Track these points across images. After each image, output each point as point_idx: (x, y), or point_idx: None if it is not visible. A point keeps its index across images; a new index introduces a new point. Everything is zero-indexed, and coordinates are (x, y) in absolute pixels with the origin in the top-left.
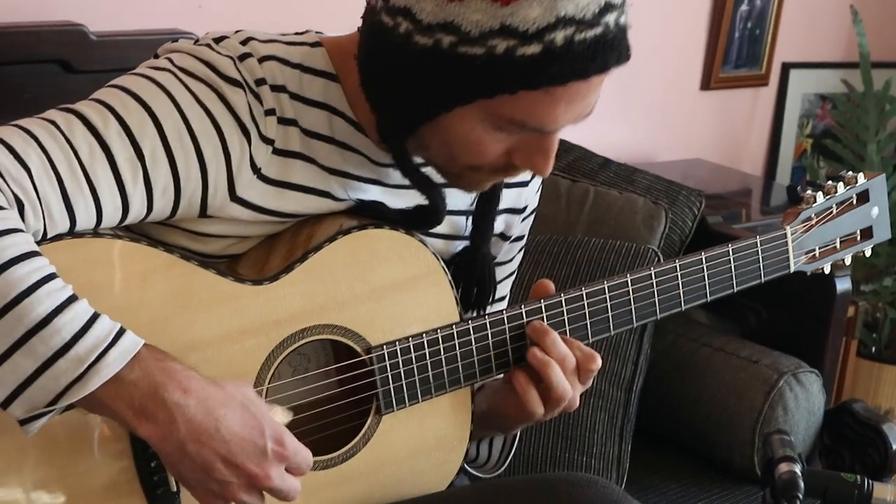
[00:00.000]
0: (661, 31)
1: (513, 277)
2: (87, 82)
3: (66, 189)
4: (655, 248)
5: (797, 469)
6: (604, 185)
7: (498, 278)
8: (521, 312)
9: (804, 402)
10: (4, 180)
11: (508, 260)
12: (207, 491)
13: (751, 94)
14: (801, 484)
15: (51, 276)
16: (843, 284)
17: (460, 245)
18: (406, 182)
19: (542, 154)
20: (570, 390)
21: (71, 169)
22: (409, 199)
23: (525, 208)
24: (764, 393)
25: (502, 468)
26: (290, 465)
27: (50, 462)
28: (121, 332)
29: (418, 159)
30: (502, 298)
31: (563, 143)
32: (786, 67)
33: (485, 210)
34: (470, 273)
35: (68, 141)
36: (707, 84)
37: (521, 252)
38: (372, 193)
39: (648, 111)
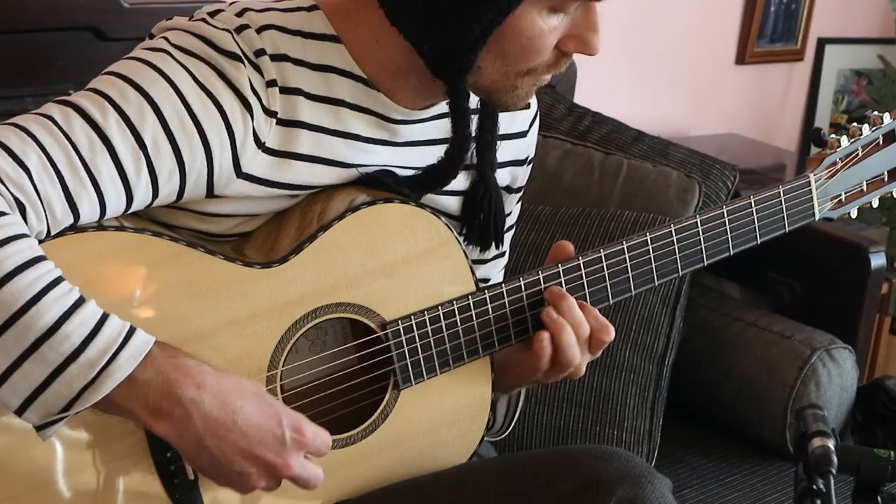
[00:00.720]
0: (697, 6)
1: (512, 231)
2: (119, 50)
3: (68, 186)
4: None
5: (830, 444)
6: (637, 158)
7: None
8: (539, 278)
9: (837, 378)
10: (3, 184)
11: (509, 213)
12: (228, 482)
13: (786, 69)
14: (835, 459)
15: (57, 281)
16: (877, 260)
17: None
18: (416, 139)
19: (591, 30)
20: (578, 357)
21: (71, 165)
22: (417, 156)
23: (527, 158)
24: (796, 368)
25: (507, 431)
26: (309, 450)
27: (66, 455)
28: (131, 332)
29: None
30: (502, 254)
31: (595, 115)
32: (821, 42)
33: (487, 140)
34: (482, 204)
35: (67, 136)
36: (742, 58)
37: (520, 204)
38: (381, 155)
39: (683, 85)
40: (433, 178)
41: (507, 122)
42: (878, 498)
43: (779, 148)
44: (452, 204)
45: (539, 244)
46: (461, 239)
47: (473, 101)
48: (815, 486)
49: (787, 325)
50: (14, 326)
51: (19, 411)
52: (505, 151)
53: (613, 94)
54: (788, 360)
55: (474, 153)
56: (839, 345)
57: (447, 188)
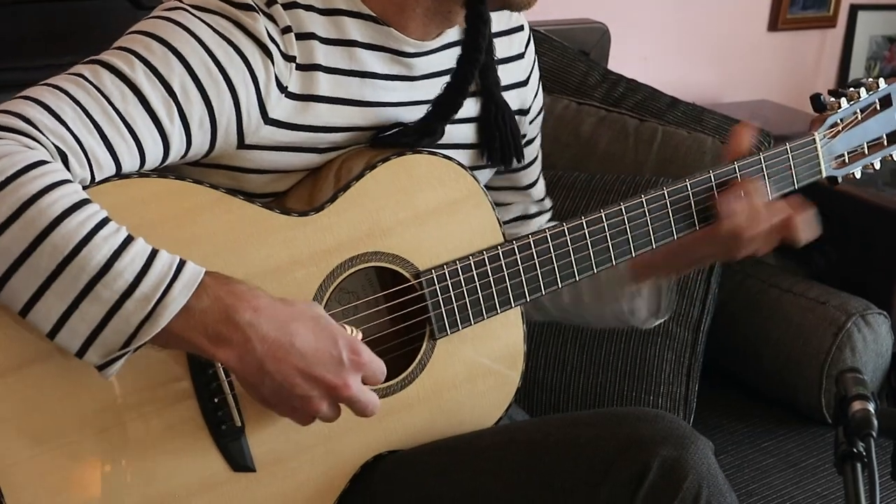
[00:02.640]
0: None
1: (539, 165)
2: None
3: (106, 135)
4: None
5: (871, 407)
6: (672, 124)
7: (528, 158)
8: (564, 229)
9: (872, 343)
10: (43, 134)
11: (524, 135)
12: (290, 408)
13: (818, 36)
14: (875, 422)
15: (105, 221)
16: None
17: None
18: (431, 70)
19: None
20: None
21: (106, 115)
22: (433, 89)
23: (529, 109)
24: (832, 334)
25: (667, 315)
26: (365, 373)
27: (113, 406)
28: (182, 264)
29: None
30: (533, 184)
31: (630, 82)
32: (854, 9)
33: (487, 61)
34: (497, 122)
35: (98, 89)
36: (774, 25)
37: (540, 134)
38: (399, 91)
39: (716, 52)
40: (448, 99)
41: (505, 46)
42: None
43: (811, 114)
44: (468, 132)
45: (575, 211)
46: (488, 163)
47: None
48: (855, 450)
49: (822, 291)
50: (67, 269)
51: (80, 353)
52: (506, 75)
53: (647, 62)
54: (824, 325)
55: (477, 79)
56: (874, 310)
57: (460, 116)
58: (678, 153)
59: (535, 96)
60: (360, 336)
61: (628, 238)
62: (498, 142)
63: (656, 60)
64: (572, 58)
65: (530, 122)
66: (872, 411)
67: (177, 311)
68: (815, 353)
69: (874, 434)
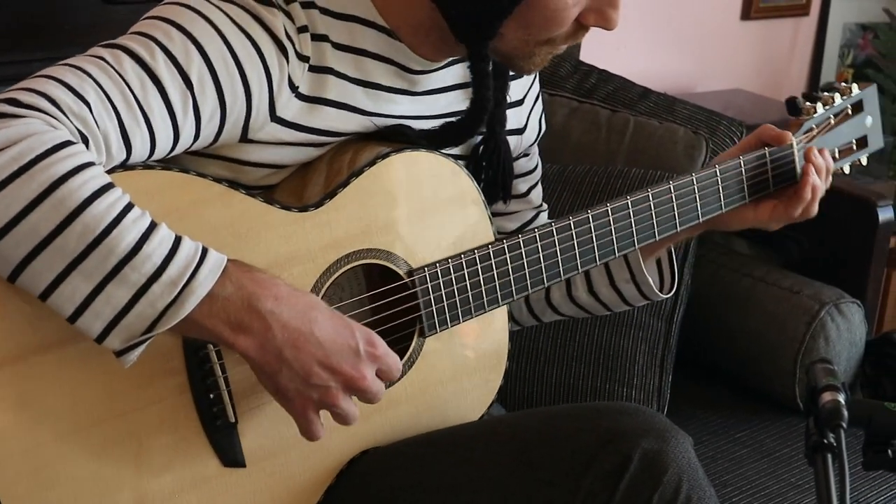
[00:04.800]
0: None
1: (539, 188)
2: (126, 13)
3: (124, 122)
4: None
5: (841, 398)
6: (644, 115)
7: (524, 189)
8: (552, 230)
9: (846, 332)
10: (67, 116)
11: (533, 168)
12: (307, 400)
13: (792, 24)
14: (845, 413)
15: (131, 205)
16: (885, 214)
17: (478, 138)
18: (433, 87)
19: (611, 6)
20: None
21: (126, 102)
22: (434, 104)
23: (525, 128)
24: (805, 323)
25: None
26: (381, 365)
27: (108, 400)
28: (205, 251)
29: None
30: (539, 207)
31: (601, 72)
32: None
33: (498, 98)
34: (491, 159)
35: (120, 75)
36: (748, 14)
37: (540, 161)
38: (401, 105)
39: (689, 41)
40: (452, 134)
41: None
42: (889, 451)
43: (784, 103)
44: (460, 152)
45: (547, 203)
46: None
47: None
48: (825, 440)
49: (795, 280)
50: (97, 251)
51: (101, 337)
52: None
53: (620, 51)
54: (797, 315)
55: None
56: (848, 299)
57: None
58: (650, 143)
59: (530, 115)
60: None
61: (613, 239)
62: (485, 178)
63: (629, 50)
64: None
65: (534, 164)
66: (843, 402)
67: (203, 296)
68: (789, 342)
69: (844, 425)
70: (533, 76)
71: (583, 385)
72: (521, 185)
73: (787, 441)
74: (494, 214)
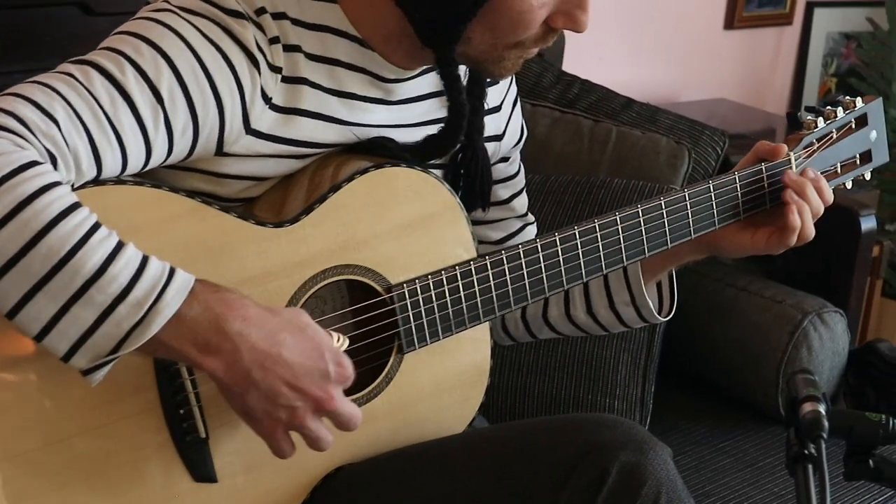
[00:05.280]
0: None
1: (524, 196)
2: (107, 24)
3: (94, 139)
4: (678, 188)
5: (821, 409)
6: (626, 125)
7: (506, 195)
8: (536, 246)
9: (829, 342)
10: (35, 135)
11: (514, 174)
12: (275, 421)
13: (775, 33)
14: (826, 423)
15: (97, 225)
16: (867, 223)
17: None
18: (408, 96)
19: (580, 7)
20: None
21: (96, 119)
22: (410, 113)
23: (504, 134)
24: (788, 333)
25: (672, 312)
26: (347, 385)
27: (79, 415)
28: (172, 271)
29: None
30: (524, 215)
31: (584, 83)
32: (810, 6)
33: (476, 106)
34: (469, 167)
35: (89, 91)
36: (731, 23)
37: (522, 169)
38: (377, 113)
39: (672, 51)
40: (434, 146)
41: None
42: (870, 461)
43: (768, 112)
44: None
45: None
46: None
47: (462, 67)
48: (806, 451)
49: (778, 289)
50: (62, 271)
51: (66, 357)
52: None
53: (602, 61)
54: (780, 324)
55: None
56: (830, 308)
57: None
58: (633, 153)
59: (509, 121)
60: (346, 343)
61: (600, 256)
62: (462, 189)
63: (612, 60)
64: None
65: (515, 170)
66: (823, 412)
67: (169, 316)
68: (772, 352)
69: (824, 436)
70: (509, 82)
71: (566, 396)
72: (501, 192)
73: (770, 451)
74: (477, 223)
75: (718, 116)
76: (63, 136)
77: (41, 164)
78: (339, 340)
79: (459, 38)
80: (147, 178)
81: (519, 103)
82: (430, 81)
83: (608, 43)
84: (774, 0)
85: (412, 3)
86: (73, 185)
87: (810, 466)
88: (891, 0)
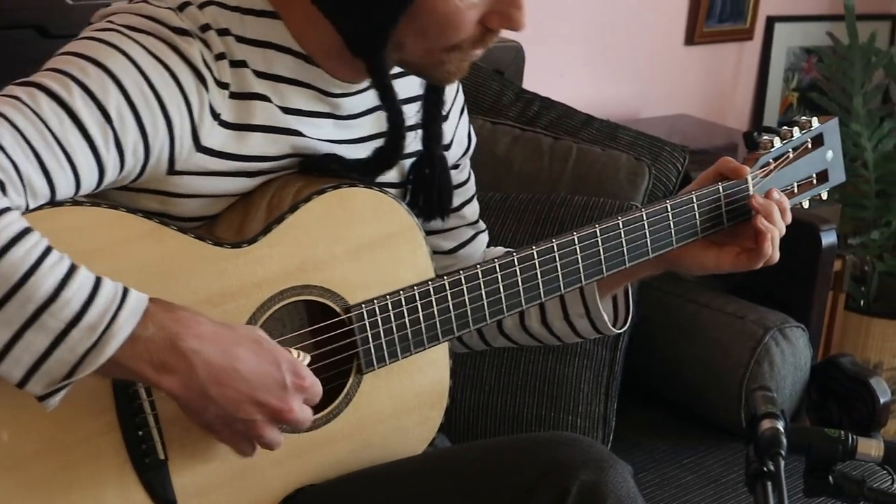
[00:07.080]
0: None
1: (475, 203)
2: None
3: (44, 161)
4: (639, 204)
5: (780, 425)
6: (586, 142)
7: (456, 203)
8: (495, 266)
9: (791, 357)
10: None
11: (464, 181)
12: (234, 433)
13: (736, 49)
14: (784, 440)
15: (49, 250)
16: (828, 238)
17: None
18: (358, 110)
19: (513, 5)
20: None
21: (45, 142)
22: (358, 128)
23: (451, 143)
24: (750, 349)
25: (627, 325)
26: (307, 395)
27: (38, 438)
28: (126, 292)
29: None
30: (475, 223)
31: (544, 100)
32: (770, 21)
33: (433, 114)
34: (430, 178)
35: (36, 114)
36: (691, 39)
37: (472, 177)
38: (325, 128)
39: (632, 67)
40: (380, 161)
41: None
42: (830, 477)
43: (730, 128)
44: (395, 174)
45: (490, 231)
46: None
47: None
48: (765, 468)
49: (739, 305)
50: (14, 299)
51: (21, 383)
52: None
53: (563, 79)
54: (742, 340)
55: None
56: (792, 324)
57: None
58: (593, 170)
59: (456, 129)
60: (307, 360)
61: (559, 276)
62: (423, 199)
63: (572, 76)
64: (486, 77)
65: (465, 177)
66: (781, 429)
67: (124, 338)
68: (734, 368)
69: (783, 452)
70: (456, 90)
71: (528, 414)
72: (452, 199)
73: (733, 467)
74: (430, 232)
75: (680, 132)
76: (11, 160)
77: None
78: (300, 356)
79: (385, 45)
80: (101, 198)
81: (466, 112)
82: (376, 95)
83: (568, 59)
84: (735, 15)
85: (339, 13)
86: (27, 208)
87: (769, 483)
88: (850, 15)
